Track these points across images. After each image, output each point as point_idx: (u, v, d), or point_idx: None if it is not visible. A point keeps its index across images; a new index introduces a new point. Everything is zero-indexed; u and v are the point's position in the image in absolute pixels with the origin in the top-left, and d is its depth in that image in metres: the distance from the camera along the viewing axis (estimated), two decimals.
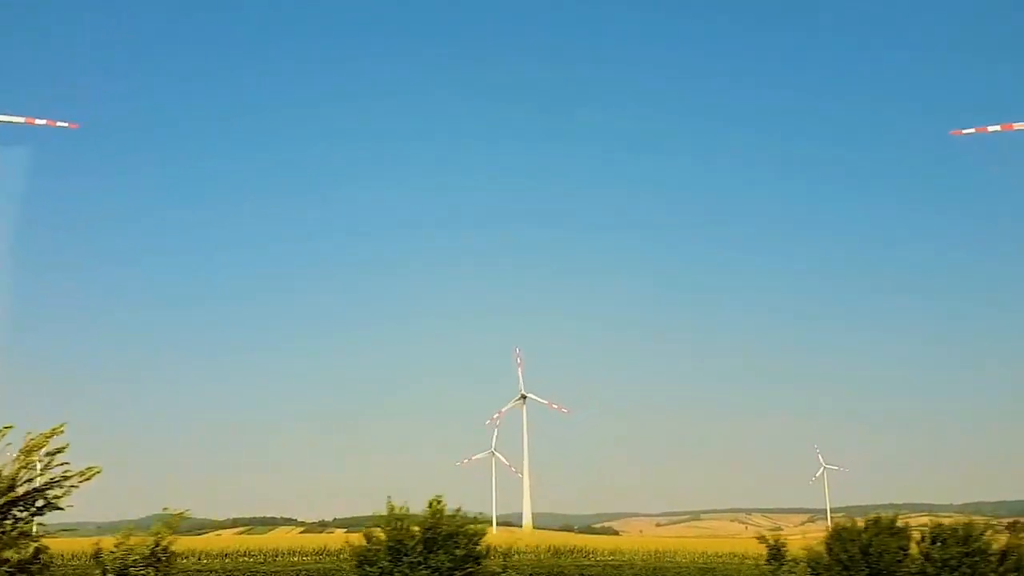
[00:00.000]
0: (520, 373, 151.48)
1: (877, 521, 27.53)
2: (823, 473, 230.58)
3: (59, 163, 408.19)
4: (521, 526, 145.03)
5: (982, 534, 26.60)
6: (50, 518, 22.57)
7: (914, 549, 27.11)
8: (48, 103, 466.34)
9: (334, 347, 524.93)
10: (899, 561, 26.41)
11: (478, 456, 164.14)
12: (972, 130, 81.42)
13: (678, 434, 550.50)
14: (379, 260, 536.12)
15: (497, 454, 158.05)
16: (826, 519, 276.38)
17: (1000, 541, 27.14)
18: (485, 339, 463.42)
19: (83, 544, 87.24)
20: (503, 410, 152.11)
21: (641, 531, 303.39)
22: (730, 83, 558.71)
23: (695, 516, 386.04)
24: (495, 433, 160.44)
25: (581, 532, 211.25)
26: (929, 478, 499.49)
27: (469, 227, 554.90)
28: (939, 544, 26.70)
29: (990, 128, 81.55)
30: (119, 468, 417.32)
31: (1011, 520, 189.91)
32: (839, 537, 28.05)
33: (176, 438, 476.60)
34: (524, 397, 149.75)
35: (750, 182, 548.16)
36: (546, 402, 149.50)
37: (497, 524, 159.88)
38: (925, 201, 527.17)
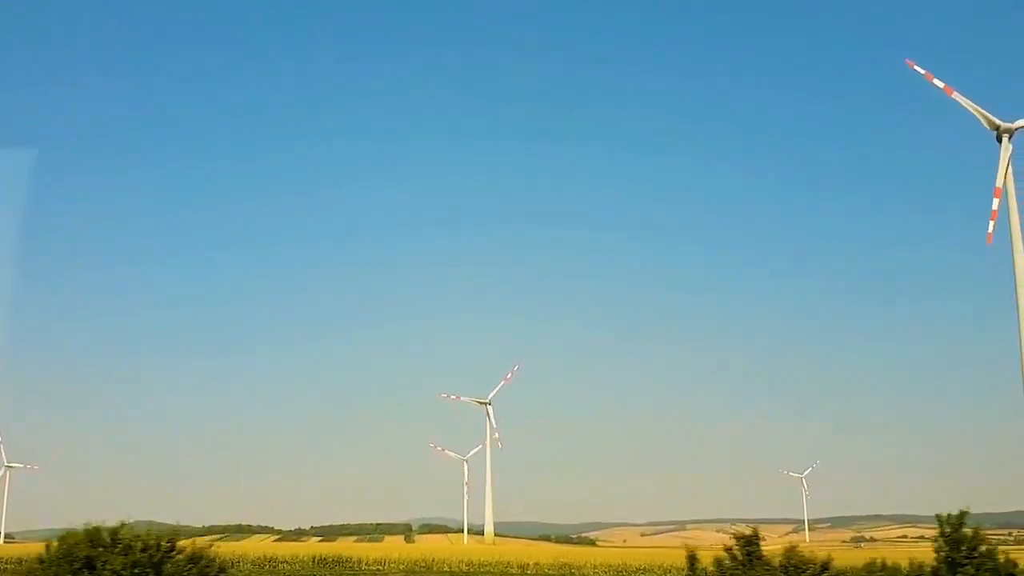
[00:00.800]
0: (502, 384, 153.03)
1: (97, 530, 28.74)
2: (801, 480, 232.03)
3: (60, 164, 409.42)
4: (489, 534, 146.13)
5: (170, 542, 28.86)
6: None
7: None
8: (48, 103, 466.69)
9: (318, 355, 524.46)
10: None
11: (451, 452, 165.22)
12: (922, 71, 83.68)
13: (666, 443, 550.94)
14: (375, 263, 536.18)
15: (466, 463, 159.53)
16: (811, 530, 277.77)
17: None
18: (478, 343, 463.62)
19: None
20: (461, 397, 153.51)
21: (625, 540, 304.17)
22: (730, 83, 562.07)
23: (680, 526, 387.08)
24: (478, 448, 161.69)
25: (559, 542, 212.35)
26: (917, 489, 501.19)
27: (468, 227, 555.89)
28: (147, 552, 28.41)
29: (936, 80, 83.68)
30: (103, 473, 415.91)
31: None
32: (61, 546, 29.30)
33: (159, 444, 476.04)
34: (486, 404, 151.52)
35: (745, 184, 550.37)
36: (494, 425, 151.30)
37: (470, 533, 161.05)
38: (923, 205, 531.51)
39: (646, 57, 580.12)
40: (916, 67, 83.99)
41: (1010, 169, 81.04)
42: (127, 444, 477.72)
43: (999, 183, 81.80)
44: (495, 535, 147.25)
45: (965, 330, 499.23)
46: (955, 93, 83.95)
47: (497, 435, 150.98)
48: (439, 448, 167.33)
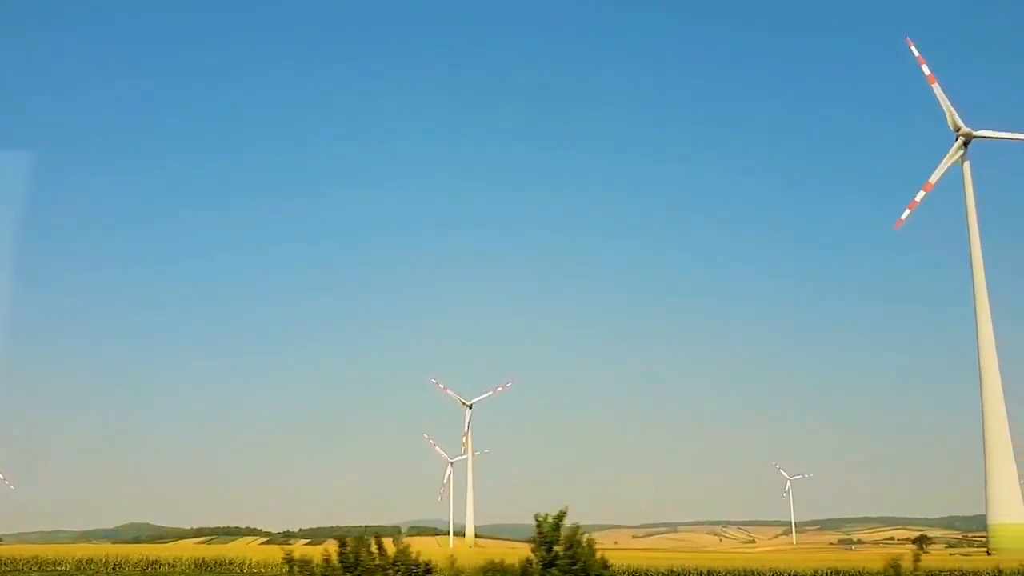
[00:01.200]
0: (490, 394, 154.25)
1: None
2: (788, 487, 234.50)
3: (60, 164, 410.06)
4: (470, 536, 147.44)
5: None
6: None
7: None
8: (49, 103, 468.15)
9: (311, 358, 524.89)
10: None
11: (440, 450, 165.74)
12: (918, 54, 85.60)
13: (659, 446, 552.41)
14: (369, 266, 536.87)
15: (451, 466, 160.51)
16: (799, 532, 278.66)
17: None
18: (472, 345, 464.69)
19: (59, 551, 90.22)
20: (448, 390, 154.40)
21: (616, 542, 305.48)
22: (728, 86, 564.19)
23: (672, 528, 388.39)
24: (463, 456, 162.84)
25: None
26: (906, 492, 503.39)
27: (463, 229, 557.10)
28: None
29: (924, 67, 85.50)
30: (96, 475, 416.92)
31: (919, 534, 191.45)
32: None
33: (152, 446, 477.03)
34: (467, 406, 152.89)
35: (744, 186, 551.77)
36: (464, 429, 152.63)
37: (456, 535, 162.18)
38: (922, 208, 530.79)
39: (645, 59, 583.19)
40: (913, 48, 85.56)
41: (969, 176, 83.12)
42: (120, 447, 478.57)
43: (933, 179, 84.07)
44: (476, 536, 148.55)
45: (957, 334, 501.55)
46: (936, 84, 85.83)
47: (466, 438, 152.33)
48: (431, 442, 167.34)
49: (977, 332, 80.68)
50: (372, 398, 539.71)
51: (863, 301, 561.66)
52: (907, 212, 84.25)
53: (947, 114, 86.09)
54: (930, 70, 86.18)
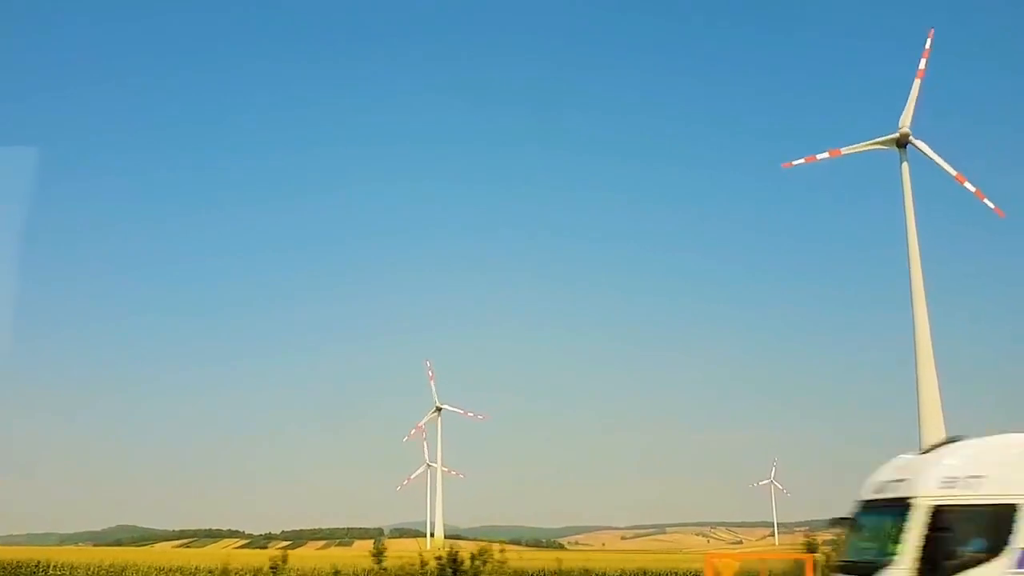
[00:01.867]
0: (461, 412, 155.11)
1: None
2: (769, 484, 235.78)
3: (60, 165, 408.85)
4: (439, 537, 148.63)
5: None
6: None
7: None
8: (52, 103, 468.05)
9: (293, 361, 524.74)
10: None
11: (426, 446, 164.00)
12: (928, 46, 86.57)
13: (649, 447, 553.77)
14: (360, 270, 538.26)
15: (428, 466, 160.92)
16: (788, 533, 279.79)
17: None
18: (463, 348, 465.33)
19: (50, 553, 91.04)
20: (434, 381, 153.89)
21: (604, 544, 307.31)
22: (726, 89, 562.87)
23: (660, 530, 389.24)
24: (440, 444, 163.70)
25: (529, 545, 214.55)
26: None
27: (452, 232, 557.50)
28: None
29: (923, 60, 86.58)
30: (81, 480, 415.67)
31: (814, 538, 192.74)
32: None
33: (136, 449, 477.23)
34: (439, 409, 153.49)
35: (738, 190, 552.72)
36: (422, 424, 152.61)
37: (447, 536, 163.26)
38: (921, 214, 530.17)
39: (642, 63, 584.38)
40: (930, 40, 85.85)
41: (908, 179, 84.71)
42: (109, 449, 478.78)
43: (843, 150, 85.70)
44: (457, 538, 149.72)
45: (947, 336, 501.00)
46: (918, 80, 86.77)
47: (414, 431, 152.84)
48: (425, 433, 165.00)
49: (914, 331, 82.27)
50: (358, 400, 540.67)
51: (855, 303, 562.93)
52: (801, 160, 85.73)
53: (905, 109, 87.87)
54: (924, 66, 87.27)
